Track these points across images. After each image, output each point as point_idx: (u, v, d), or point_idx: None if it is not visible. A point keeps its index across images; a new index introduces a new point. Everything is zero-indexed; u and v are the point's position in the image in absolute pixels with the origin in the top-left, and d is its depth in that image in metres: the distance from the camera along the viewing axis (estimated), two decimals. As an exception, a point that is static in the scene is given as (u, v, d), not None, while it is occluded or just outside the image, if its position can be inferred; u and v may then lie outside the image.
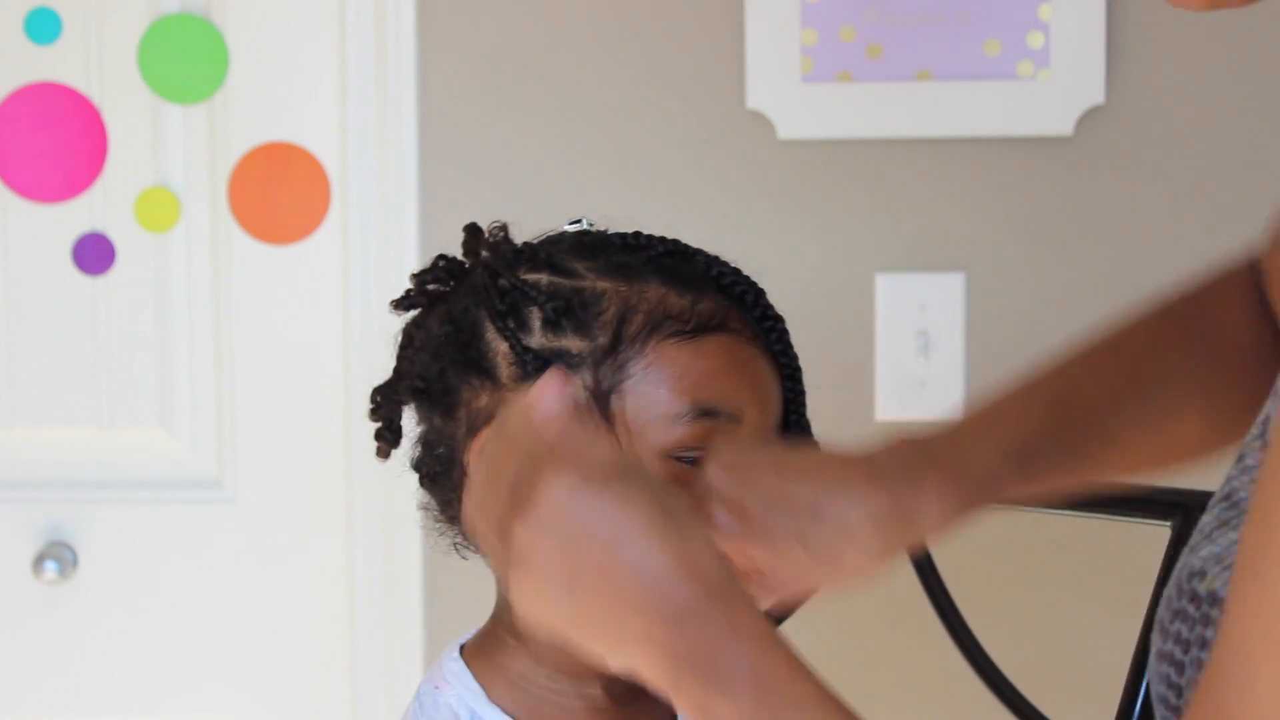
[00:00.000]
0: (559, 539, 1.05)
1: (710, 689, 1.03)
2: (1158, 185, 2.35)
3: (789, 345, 1.30)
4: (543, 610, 1.08)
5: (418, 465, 1.34)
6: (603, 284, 1.27)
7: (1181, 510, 1.52)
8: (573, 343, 1.26)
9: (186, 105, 2.39)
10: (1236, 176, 2.34)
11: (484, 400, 1.28)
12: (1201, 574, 1.13)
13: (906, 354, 2.36)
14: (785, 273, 2.34)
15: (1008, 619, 2.36)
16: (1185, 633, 1.12)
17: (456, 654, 1.31)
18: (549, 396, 1.11)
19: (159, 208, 2.40)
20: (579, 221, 1.34)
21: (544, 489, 1.06)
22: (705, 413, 1.24)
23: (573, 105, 2.37)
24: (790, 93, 2.34)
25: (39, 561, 2.42)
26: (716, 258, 1.31)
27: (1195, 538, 1.17)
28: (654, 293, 1.27)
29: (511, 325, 1.27)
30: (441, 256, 1.33)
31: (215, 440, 2.44)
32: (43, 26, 2.39)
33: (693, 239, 1.29)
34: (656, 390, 1.25)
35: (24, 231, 2.42)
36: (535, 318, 1.27)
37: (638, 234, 1.32)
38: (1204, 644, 1.10)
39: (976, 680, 1.74)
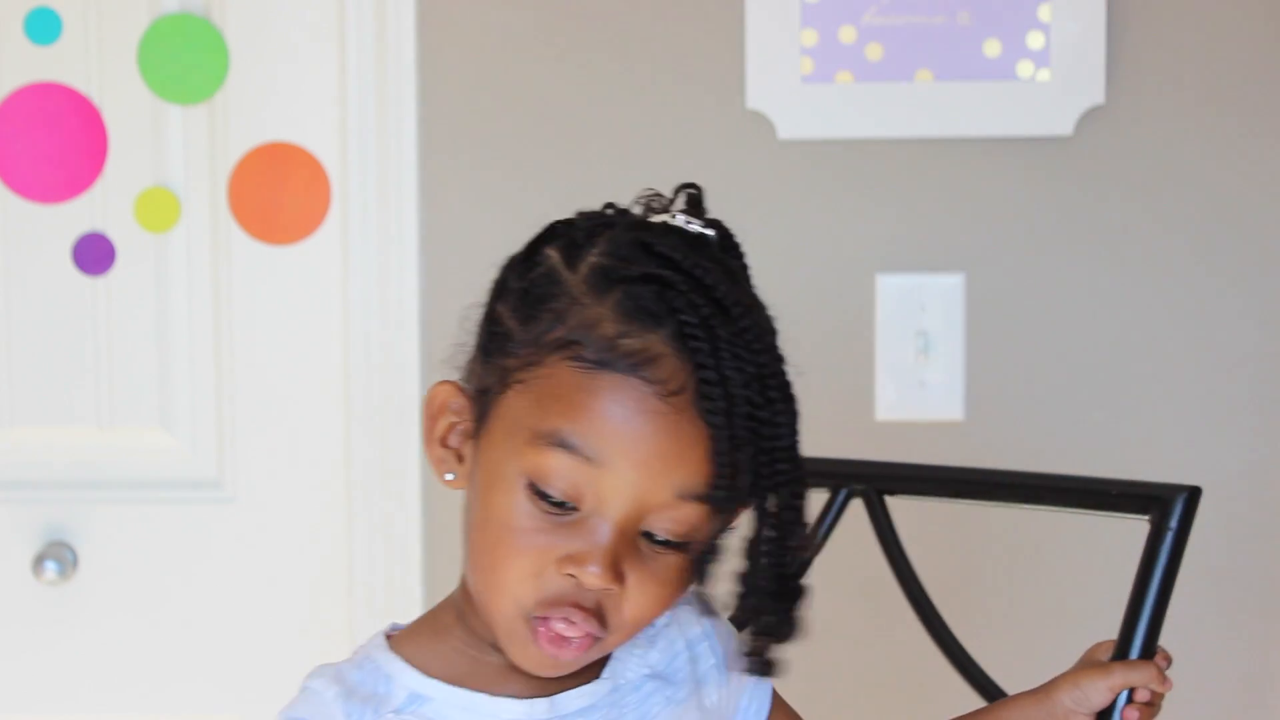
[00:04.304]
0: None
1: None
2: (1158, 185, 2.35)
3: (732, 418, 1.22)
4: None
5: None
6: (577, 284, 1.25)
7: (1159, 505, 1.51)
8: (514, 325, 1.26)
9: (186, 105, 2.39)
10: (1236, 176, 2.34)
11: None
12: None
13: (906, 354, 2.36)
14: (785, 273, 2.34)
15: (986, 615, 2.36)
16: None
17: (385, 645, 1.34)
18: None
19: (159, 208, 2.40)
20: (678, 216, 1.30)
21: None
22: (561, 444, 1.22)
23: (572, 105, 2.37)
24: (790, 93, 2.34)
25: (39, 561, 2.42)
26: (718, 307, 1.24)
27: None
28: (596, 312, 1.24)
29: (497, 287, 1.29)
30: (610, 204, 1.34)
31: (215, 440, 2.44)
32: (43, 26, 2.39)
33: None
34: (534, 404, 1.24)
35: (24, 231, 2.42)
36: (513, 290, 1.28)
37: (674, 253, 1.25)
38: None
39: (956, 676, 1.73)
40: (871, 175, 2.36)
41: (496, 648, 1.30)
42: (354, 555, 2.42)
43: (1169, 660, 1.49)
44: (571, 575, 1.23)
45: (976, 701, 1.67)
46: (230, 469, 2.45)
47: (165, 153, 2.41)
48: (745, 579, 1.26)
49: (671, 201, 1.32)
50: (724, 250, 1.31)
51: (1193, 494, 1.49)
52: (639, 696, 1.34)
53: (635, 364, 1.22)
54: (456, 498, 2.42)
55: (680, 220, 1.30)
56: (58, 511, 2.45)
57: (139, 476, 2.45)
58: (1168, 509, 1.49)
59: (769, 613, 1.27)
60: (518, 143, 2.38)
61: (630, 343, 1.22)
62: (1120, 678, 1.46)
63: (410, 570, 2.41)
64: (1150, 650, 1.47)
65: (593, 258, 1.26)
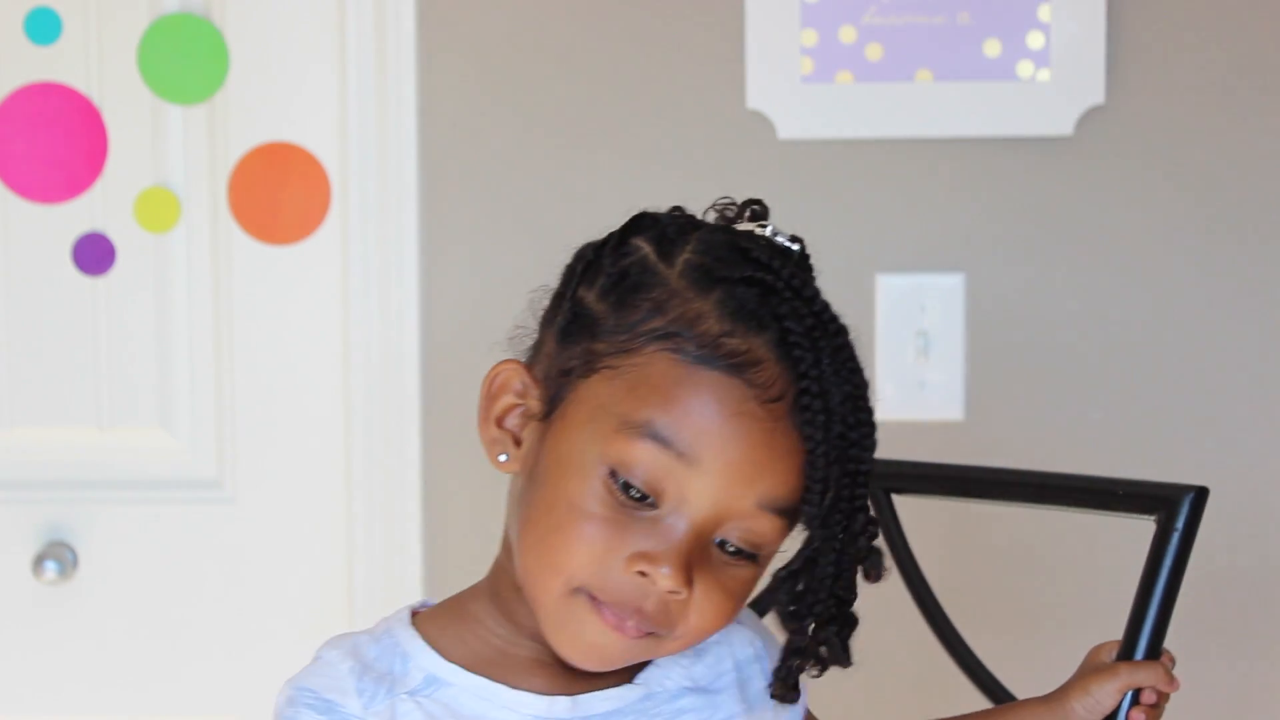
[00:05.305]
0: None
1: None
2: (1158, 185, 2.35)
3: (829, 433, 1.21)
4: None
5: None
6: (675, 278, 1.23)
7: (1166, 504, 1.51)
8: (604, 309, 1.24)
9: (186, 105, 2.39)
10: (1236, 176, 2.34)
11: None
12: None
13: (906, 354, 2.37)
14: (785, 273, 2.34)
15: (991, 616, 2.36)
16: None
17: (412, 630, 1.31)
18: None
19: (159, 208, 2.40)
20: (766, 226, 1.30)
21: None
22: (653, 435, 1.20)
23: (573, 105, 2.37)
24: (790, 93, 2.34)
25: (39, 561, 2.42)
26: (819, 320, 1.24)
27: None
28: (699, 307, 1.22)
29: (580, 271, 1.27)
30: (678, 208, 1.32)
31: (215, 440, 2.44)
32: (43, 26, 2.39)
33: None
34: (625, 391, 1.21)
35: (24, 231, 2.42)
36: (603, 275, 1.26)
37: (771, 260, 1.24)
38: None
39: (961, 677, 1.74)
40: (871, 175, 2.36)
41: (531, 638, 1.27)
42: (354, 555, 2.42)
43: (1173, 661, 1.49)
44: (642, 573, 1.21)
45: (982, 703, 1.68)
46: (230, 469, 2.45)
47: (165, 153, 2.41)
48: (805, 602, 1.26)
49: (740, 212, 1.32)
50: (799, 267, 1.30)
51: (1200, 494, 1.49)
52: (673, 709, 1.30)
53: (737, 365, 1.20)
54: (458, 497, 2.43)
55: (769, 230, 1.29)
56: (58, 511, 2.45)
57: (139, 476, 2.45)
58: (1174, 509, 1.49)
59: (826, 639, 1.27)
60: (517, 143, 2.38)
61: (734, 342, 1.21)
62: (1127, 678, 1.45)
63: (410, 570, 2.41)
64: (1156, 651, 1.47)
65: (688, 254, 1.25)
